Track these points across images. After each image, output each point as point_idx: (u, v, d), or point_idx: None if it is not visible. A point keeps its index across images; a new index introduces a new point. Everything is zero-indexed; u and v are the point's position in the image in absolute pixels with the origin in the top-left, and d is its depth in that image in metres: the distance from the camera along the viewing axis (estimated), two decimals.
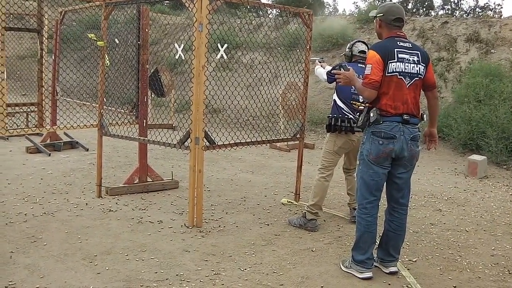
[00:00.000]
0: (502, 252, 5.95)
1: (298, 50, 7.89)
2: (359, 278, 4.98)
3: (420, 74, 4.88)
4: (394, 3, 5.26)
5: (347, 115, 6.31)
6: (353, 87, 5.60)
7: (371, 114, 4.81)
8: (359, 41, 6.69)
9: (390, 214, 5.15)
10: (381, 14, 4.98)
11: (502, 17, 18.52)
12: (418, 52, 4.90)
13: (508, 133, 10.51)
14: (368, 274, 4.99)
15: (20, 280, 4.68)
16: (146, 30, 7.47)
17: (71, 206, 6.86)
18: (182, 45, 15.29)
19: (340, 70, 5.19)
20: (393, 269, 5.17)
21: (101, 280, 4.75)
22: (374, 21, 5.15)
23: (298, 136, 7.42)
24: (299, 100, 8.45)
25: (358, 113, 6.01)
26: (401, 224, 5.13)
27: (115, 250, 5.47)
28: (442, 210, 7.49)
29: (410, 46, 4.91)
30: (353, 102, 6.32)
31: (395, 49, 4.80)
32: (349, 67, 5.23)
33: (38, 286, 4.60)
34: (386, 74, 4.75)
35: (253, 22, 19.02)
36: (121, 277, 4.83)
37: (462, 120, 11.25)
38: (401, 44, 4.86)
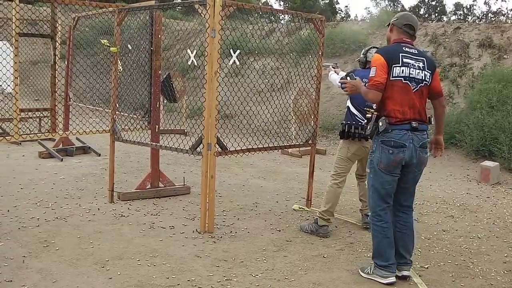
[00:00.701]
0: None
1: (310, 56, 7.90)
2: (383, 283, 4.98)
3: (426, 81, 4.90)
4: (410, 13, 5.31)
5: (360, 122, 6.31)
6: None
7: (380, 123, 4.83)
8: (373, 47, 6.68)
9: (395, 215, 5.17)
10: (395, 19, 5.06)
11: None
12: (424, 59, 4.93)
13: None
14: (392, 279, 5.00)
15: (32, 284, 4.70)
16: (159, 36, 7.49)
17: (83, 211, 6.89)
18: (195, 51, 15.33)
19: (347, 79, 5.21)
20: (406, 273, 5.16)
21: (113, 285, 4.77)
22: (388, 27, 5.19)
23: (310, 142, 7.42)
24: (311, 106, 8.45)
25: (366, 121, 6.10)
26: (407, 223, 5.15)
27: (127, 255, 5.49)
28: (454, 217, 7.46)
29: (416, 52, 4.94)
30: (367, 109, 6.31)
31: (400, 54, 4.83)
32: (356, 76, 5.27)
33: None
34: (391, 78, 4.78)
35: (265, 28, 19.04)
36: (133, 282, 4.84)
37: (474, 126, 11.21)
38: (407, 49, 4.90)
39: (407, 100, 4.81)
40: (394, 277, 5.02)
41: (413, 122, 4.80)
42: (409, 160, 4.85)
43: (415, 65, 4.84)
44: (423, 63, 4.89)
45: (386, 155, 4.83)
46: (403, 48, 4.89)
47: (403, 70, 4.78)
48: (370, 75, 4.82)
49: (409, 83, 4.80)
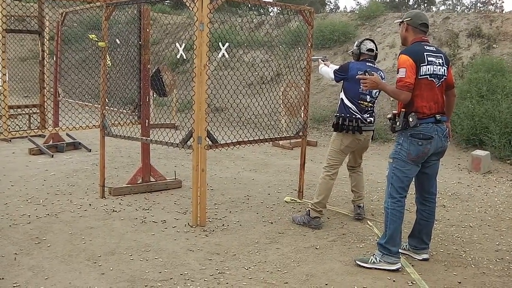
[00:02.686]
0: (507, 247, 5.94)
1: (299, 48, 7.87)
2: (391, 270, 5.11)
3: (445, 75, 5.20)
4: (421, 10, 5.40)
5: (354, 114, 6.31)
6: (361, 86, 5.74)
7: (410, 119, 5.04)
8: (367, 39, 6.69)
9: (422, 204, 5.49)
10: (409, 19, 5.25)
11: (503, 12, 18.50)
12: (442, 55, 5.21)
13: (511, 128, 10.48)
14: (399, 265, 5.19)
15: (24, 281, 4.69)
16: (147, 30, 7.46)
17: (75, 207, 6.87)
18: (184, 45, 15.29)
19: (365, 74, 5.27)
20: (425, 256, 5.49)
21: (105, 281, 4.76)
22: (401, 26, 5.40)
23: (300, 133, 7.41)
24: (301, 98, 8.44)
25: (366, 114, 6.37)
26: (432, 212, 5.49)
27: (119, 250, 5.48)
28: (446, 206, 7.48)
29: (435, 49, 5.22)
30: (361, 102, 6.33)
31: (424, 53, 5.08)
32: (373, 72, 5.38)
33: (42, 287, 4.60)
34: (419, 77, 5.01)
35: (254, 20, 19.01)
36: (125, 278, 4.83)
37: (465, 116, 11.23)
38: (428, 48, 5.15)
39: (431, 96, 5.09)
40: (400, 263, 5.21)
41: (437, 115, 5.10)
42: (435, 150, 5.14)
43: (436, 62, 5.11)
44: (442, 59, 5.18)
45: (416, 147, 5.06)
46: (425, 47, 5.14)
47: (428, 68, 5.05)
48: (399, 76, 5.01)
49: (434, 79, 5.09)
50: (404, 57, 5.03)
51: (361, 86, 6.05)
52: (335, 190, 7.91)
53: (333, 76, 6.61)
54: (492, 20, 14.76)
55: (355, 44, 6.70)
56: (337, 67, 6.71)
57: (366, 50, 6.53)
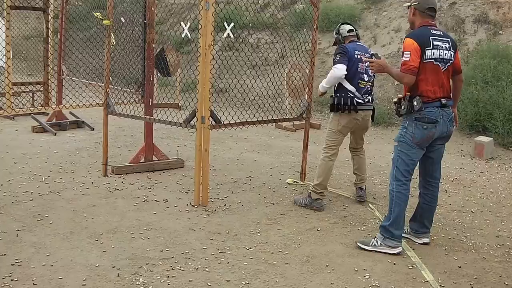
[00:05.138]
0: (508, 233, 5.96)
1: (304, 30, 7.84)
2: (392, 253, 5.16)
3: (451, 60, 5.20)
4: None
5: (349, 94, 6.28)
6: (359, 65, 6.02)
7: (415, 103, 5.04)
8: (341, 24, 6.76)
9: (425, 188, 5.52)
10: (416, 3, 5.24)
11: None
12: (449, 40, 5.21)
13: None
14: (400, 249, 5.22)
15: (26, 258, 4.71)
16: (152, 9, 7.43)
17: (77, 185, 6.88)
18: (189, 24, 15.23)
19: (372, 58, 5.30)
20: (426, 240, 5.52)
21: (107, 258, 4.78)
22: (408, 10, 5.38)
23: (304, 115, 7.40)
24: (305, 80, 8.42)
25: (365, 94, 6.38)
26: (434, 196, 5.53)
27: (121, 228, 5.50)
28: (448, 191, 7.48)
29: (442, 34, 5.21)
30: (359, 81, 6.32)
31: (430, 37, 5.08)
32: (380, 55, 5.40)
33: (44, 264, 4.63)
34: (424, 61, 5.01)
35: (259, 1, 18.92)
36: (126, 255, 4.86)
37: (469, 102, 11.18)
38: (434, 32, 5.15)
39: (437, 80, 5.09)
40: (401, 247, 5.24)
41: (443, 99, 5.11)
42: (440, 134, 5.16)
43: (442, 47, 5.11)
44: (448, 44, 5.17)
45: (421, 130, 5.08)
46: (431, 31, 5.15)
47: (434, 53, 5.05)
48: (404, 59, 5.03)
49: (439, 64, 5.09)
50: (409, 41, 5.03)
51: (358, 66, 6.13)
52: (337, 172, 7.92)
53: (337, 70, 6.27)
54: (499, 6, 14.65)
55: (334, 33, 6.70)
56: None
57: (347, 32, 6.57)
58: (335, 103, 6.35)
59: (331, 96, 6.46)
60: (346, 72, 6.27)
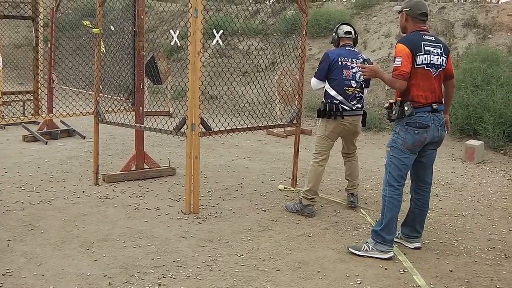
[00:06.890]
0: (499, 237, 5.97)
1: (294, 36, 7.86)
2: (383, 258, 5.15)
3: (443, 65, 5.20)
4: None
5: (335, 101, 6.30)
6: (344, 72, 6.14)
7: (406, 108, 5.07)
8: (342, 24, 6.72)
9: (416, 193, 5.54)
10: (408, 9, 5.24)
11: (499, 2, 18.44)
12: (441, 45, 5.21)
13: (505, 118, 10.49)
14: (392, 254, 5.22)
15: (17, 267, 4.69)
16: (142, 17, 7.44)
17: (68, 194, 6.87)
18: (178, 32, 15.25)
19: (364, 63, 5.35)
20: (417, 244, 5.53)
21: (98, 267, 4.77)
22: (399, 15, 5.39)
23: (294, 121, 7.41)
24: (296, 86, 8.43)
25: (353, 100, 6.38)
26: (426, 201, 5.54)
27: (112, 237, 5.48)
28: (439, 195, 7.49)
29: (434, 39, 5.21)
30: (346, 88, 6.32)
31: (422, 42, 5.09)
32: (372, 61, 5.42)
33: (35, 273, 4.61)
34: (415, 66, 5.03)
35: (249, 8, 18.95)
36: (118, 264, 4.84)
37: (459, 106, 11.23)
38: (426, 37, 5.16)
39: (428, 85, 5.10)
40: (393, 252, 5.25)
41: (434, 105, 5.12)
42: (431, 139, 5.17)
43: (434, 52, 5.12)
44: (440, 49, 5.18)
45: (412, 135, 5.09)
46: (423, 36, 5.15)
47: (425, 58, 5.07)
48: (395, 65, 5.04)
49: (430, 69, 5.10)
50: (400, 46, 5.04)
51: (343, 73, 6.16)
52: (329, 178, 7.93)
53: (312, 85, 6.55)
54: (488, 10, 14.74)
55: (333, 31, 6.73)
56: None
57: (344, 33, 6.56)
58: (322, 109, 6.37)
59: (322, 102, 6.47)
60: (321, 86, 6.46)
